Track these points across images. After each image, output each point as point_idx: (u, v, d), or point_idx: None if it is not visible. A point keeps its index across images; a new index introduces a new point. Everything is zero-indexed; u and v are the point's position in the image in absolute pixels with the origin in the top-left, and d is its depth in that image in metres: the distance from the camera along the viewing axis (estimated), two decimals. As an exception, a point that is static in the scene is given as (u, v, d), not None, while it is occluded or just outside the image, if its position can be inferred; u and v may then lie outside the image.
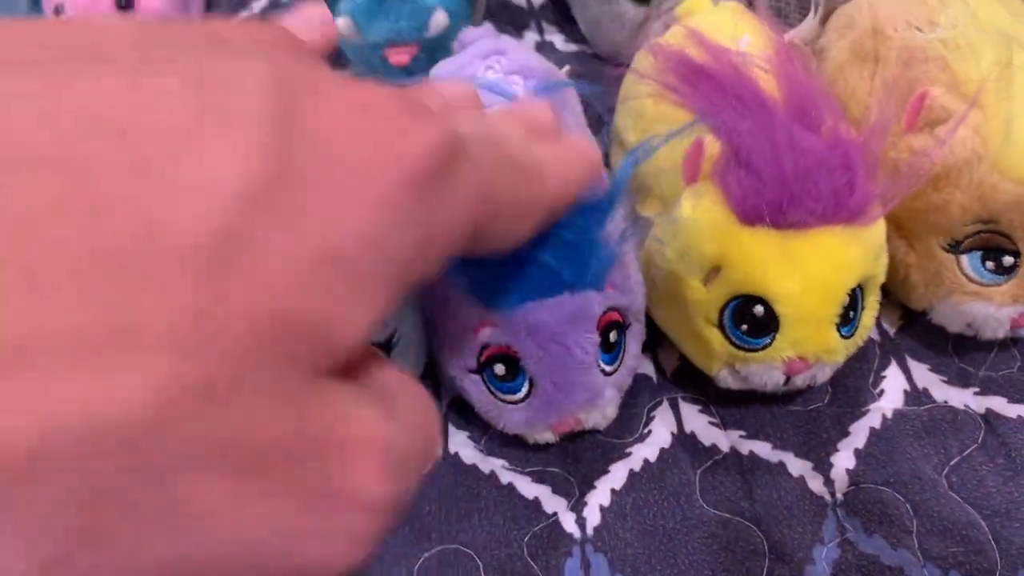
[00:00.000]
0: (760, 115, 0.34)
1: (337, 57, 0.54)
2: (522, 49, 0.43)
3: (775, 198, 0.33)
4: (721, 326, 0.36)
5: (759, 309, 0.35)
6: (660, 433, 0.39)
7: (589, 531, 0.36)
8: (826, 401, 0.40)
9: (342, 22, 0.47)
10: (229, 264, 0.13)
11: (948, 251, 0.37)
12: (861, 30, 0.42)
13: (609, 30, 0.51)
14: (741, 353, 0.36)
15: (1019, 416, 0.39)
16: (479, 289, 0.34)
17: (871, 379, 0.40)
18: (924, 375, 0.40)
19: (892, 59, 0.40)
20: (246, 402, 0.14)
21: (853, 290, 0.35)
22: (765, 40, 0.40)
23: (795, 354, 0.35)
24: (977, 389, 0.40)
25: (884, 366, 0.41)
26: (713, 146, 0.36)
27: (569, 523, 0.37)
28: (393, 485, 0.16)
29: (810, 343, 0.35)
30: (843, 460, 0.38)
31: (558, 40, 0.55)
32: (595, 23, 0.52)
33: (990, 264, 0.37)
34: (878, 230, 0.35)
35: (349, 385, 0.16)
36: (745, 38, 0.40)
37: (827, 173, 0.33)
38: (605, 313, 0.35)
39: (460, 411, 0.39)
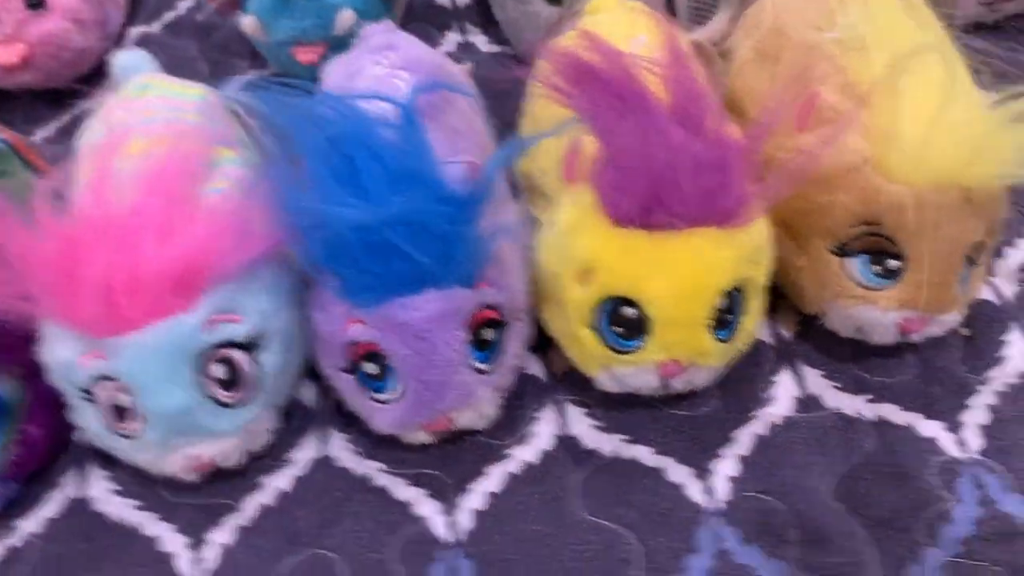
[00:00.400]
0: (638, 117, 0.34)
1: (255, 55, 0.53)
2: (416, 45, 0.43)
3: (644, 199, 0.33)
4: (596, 328, 0.35)
5: (630, 311, 0.34)
6: (543, 435, 0.38)
7: (461, 535, 0.36)
8: (714, 406, 0.39)
9: (248, 20, 0.47)
10: None
11: (835, 254, 0.36)
12: (764, 30, 0.42)
13: (526, 30, 0.51)
14: (615, 355, 0.35)
15: (909, 424, 0.38)
16: (346, 286, 0.34)
17: (762, 384, 0.39)
18: (817, 381, 0.39)
19: (789, 59, 0.39)
20: None
21: (730, 293, 0.34)
22: (658, 38, 0.39)
23: (667, 357, 0.35)
24: (871, 396, 0.39)
25: (776, 371, 0.40)
26: (592, 147, 0.35)
27: (440, 527, 0.36)
28: None
29: (682, 346, 0.34)
30: (726, 467, 0.37)
31: (480, 41, 0.55)
32: (513, 24, 0.51)
33: (876, 268, 0.36)
34: (755, 232, 0.35)
35: None
36: (641, 38, 0.40)
37: (698, 175, 0.33)
38: (479, 311, 0.34)
39: (343, 413, 0.38)
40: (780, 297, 0.40)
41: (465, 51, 0.55)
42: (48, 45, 0.50)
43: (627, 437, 0.38)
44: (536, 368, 0.40)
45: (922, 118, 0.34)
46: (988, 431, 0.37)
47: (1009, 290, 0.42)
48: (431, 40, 0.55)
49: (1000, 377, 0.39)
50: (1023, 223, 0.44)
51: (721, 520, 0.36)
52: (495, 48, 0.55)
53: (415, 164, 0.33)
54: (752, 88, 0.41)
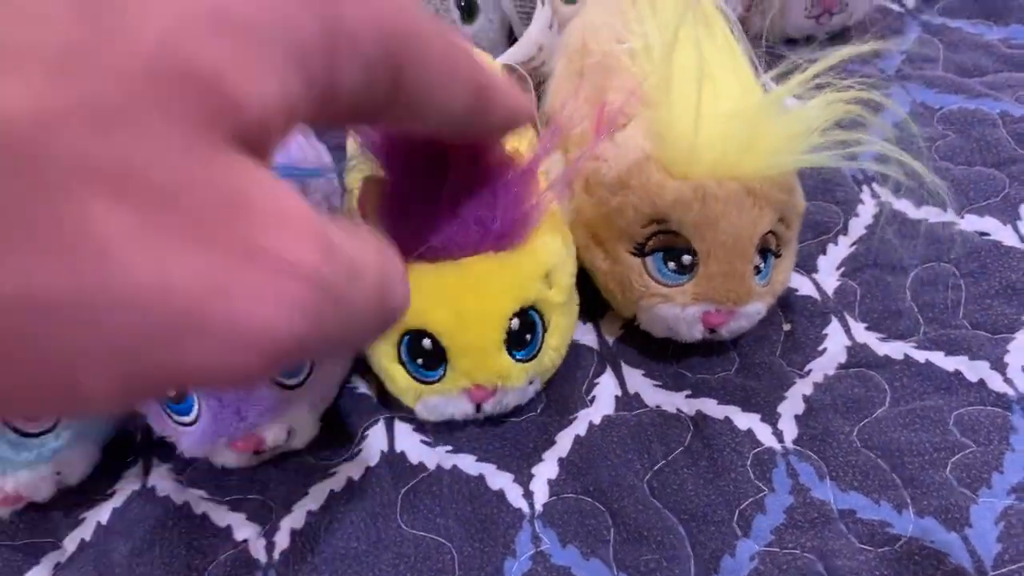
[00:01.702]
0: (417, 150, 0.34)
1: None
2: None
3: (420, 230, 0.33)
4: (402, 362, 0.36)
5: (427, 342, 0.35)
6: (371, 452, 0.38)
7: (276, 556, 0.35)
8: (539, 411, 0.39)
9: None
10: (114, 4, 0.14)
11: (634, 255, 0.37)
12: (573, 47, 0.43)
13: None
14: (424, 386, 0.36)
15: (726, 417, 0.38)
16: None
17: (584, 387, 0.40)
18: (638, 380, 0.40)
19: (589, 73, 0.41)
20: (136, 132, 0.14)
21: (525, 313, 0.35)
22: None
23: (471, 383, 0.35)
24: (689, 392, 0.39)
25: (599, 373, 0.40)
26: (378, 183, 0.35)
27: (258, 549, 0.36)
28: (328, 266, 0.16)
29: (480, 371, 0.35)
30: (545, 470, 0.37)
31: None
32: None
33: (672, 264, 0.37)
34: (541, 253, 0.35)
35: (275, 177, 0.16)
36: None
37: (471, 203, 0.33)
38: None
39: (164, 443, 0.38)
40: (604, 303, 0.41)
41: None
42: None
43: (451, 448, 0.38)
44: (366, 387, 0.41)
45: (695, 115, 0.35)
46: (802, 420, 0.38)
47: (830, 285, 0.43)
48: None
49: (818, 369, 0.40)
50: (846, 221, 0.45)
51: (539, 523, 0.36)
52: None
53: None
54: (563, 95, 0.42)
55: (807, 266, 0.43)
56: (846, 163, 0.34)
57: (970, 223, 0.44)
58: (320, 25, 0.17)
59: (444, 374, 0.35)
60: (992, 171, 0.46)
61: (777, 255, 0.38)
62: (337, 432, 0.39)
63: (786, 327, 0.41)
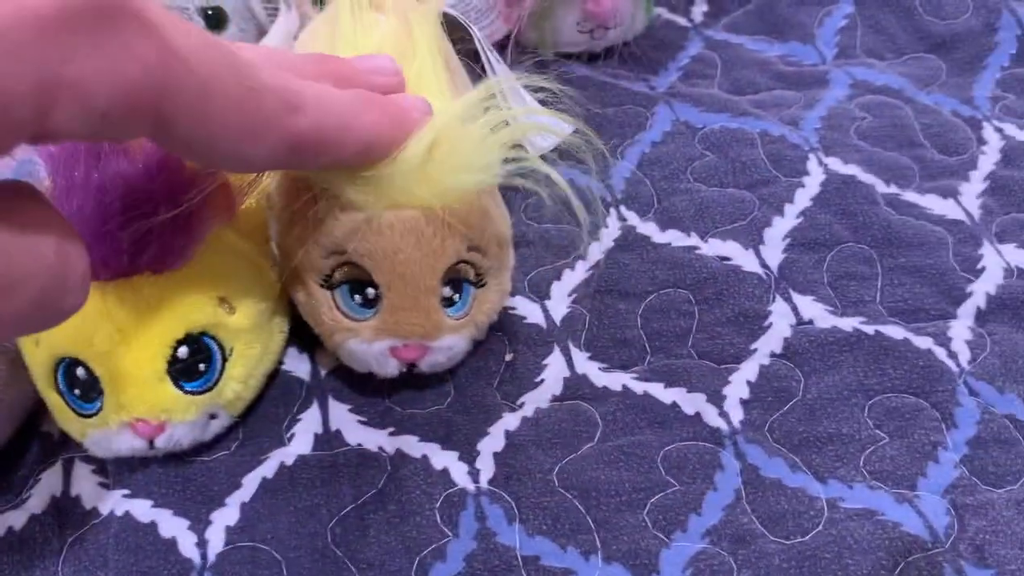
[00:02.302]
0: (79, 162, 0.31)
1: None
2: None
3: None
4: (60, 391, 0.33)
5: (80, 371, 0.32)
6: (42, 497, 0.35)
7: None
8: (232, 449, 0.37)
9: None
10: None
11: (323, 287, 0.35)
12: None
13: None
14: (83, 419, 0.33)
15: (424, 456, 0.36)
16: None
17: (285, 423, 0.37)
18: (343, 416, 0.38)
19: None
20: None
21: (197, 340, 0.33)
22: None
23: (130, 417, 0.32)
24: (394, 429, 0.37)
25: (304, 408, 0.38)
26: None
27: None
28: None
29: (140, 403, 0.32)
30: (225, 516, 0.35)
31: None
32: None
33: (358, 297, 0.34)
34: (214, 276, 0.33)
35: None
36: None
37: (123, 216, 0.31)
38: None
39: None
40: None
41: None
42: None
43: (127, 492, 0.35)
44: (51, 425, 0.37)
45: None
46: (501, 458, 0.36)
47: (559, 313, 0.41)
48: None
49: (530, 402, 0.38)
50: (588, 246, 0.43)
51: (210, 574, 0.33)
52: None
53: None
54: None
55: (540, 292, 0.42)
56: (512, 180, 0.32)
57: (712, 247, 0.43)
58: (34, 78, 0.18)
59: (102, 406, 0.32)
60: (744, 192, 0.45)
61: (478, 285, 0.36)
62: (9, 477, 0.36)
63: (508, 357, 0.39)
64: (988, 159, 0.47)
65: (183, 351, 0.32)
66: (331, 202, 0.33)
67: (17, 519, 0.35)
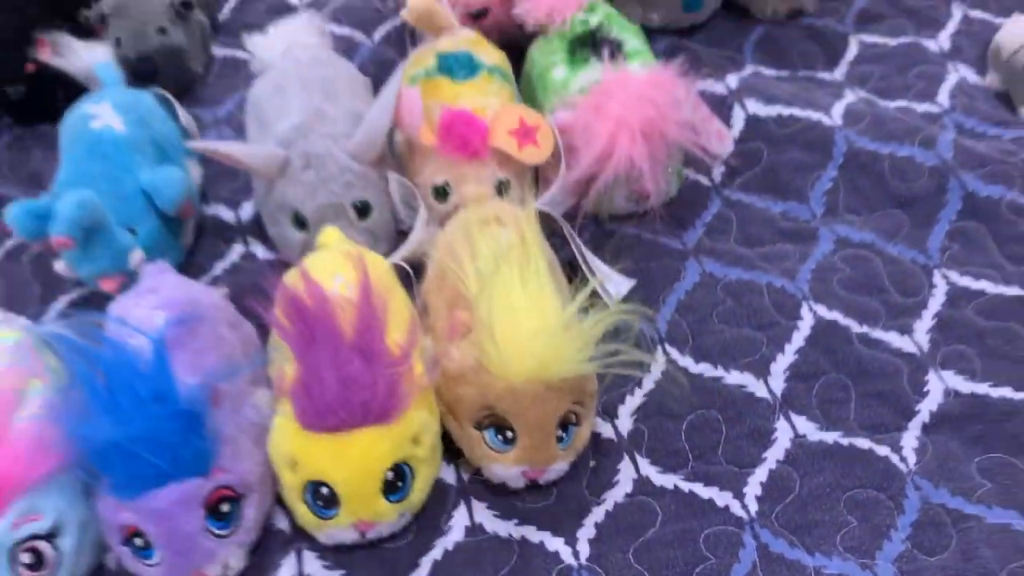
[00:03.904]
0: (320, 347, 0.49)
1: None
2: (177, 287, 0.58)
3: (319, 410, 0.48)
4: (306, 502, 0.50)
5: (325, 490, 0.49)
6: None
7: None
8: (408, 539, 0.54)
9: (59, 265, 0.61)
10: None
11: (476, 428, 0.52)
12: (437, 261, 0.58)
13: (284, 247, 0.66)
14: (323, 522, 0.50)
15: (541, 541, 0.53)
16: (113, 483, 0.48)
17: (442, 518, 0.54)
18: (482, 511, 0.55)
19: (448, 290, 0.55)
20: None
21: (398, 468, 0.50)
22: (354, 278, 0.54)
23: (356, 519, 0.50)
24: (518, 520, 0.54)
25: (455, 506, 0.55)
26: (292, 368, 0.50)
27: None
28: None
29: (364, 510, 0.50)
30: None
31: (259, 250, 0.70)
32: (277, 241, 0.67)
33: (500, 437, 0.52)
34: (412, 423, 0.50)
35: None
36: (340, 276, 0.55)
37: (355, 389, 0.48)
38: (213, 492, 0.49)
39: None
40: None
41: (247, 259, 0.70)
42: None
43: (344, 572, 0.53)
44: (283, 523, 0.55)
45: (508, 330, 0.50)
46: (594, 543, 0.53)
47: (625, 428, 0.58)
48: (218, 253, 0.70)
49: (610, 498, 0.55)
50: (640, 379, 0.60)
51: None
52: (271, 255, 0.70)
53: (156, 388, 0.48)
54: (433, 304, 0.57)
55: (610, 413, 0.59)
56: (612, 370, 0.50)
57: (733, 377, 0.60)
58: None
59: (338, 512, 0.50)
60: (756, 333, 0.62)
61: (577, 425, 0.53)
62: (258, 562, 0.53)
63: (592, 463, 0.56)
64: (936, 300, 0.64)
65: (390, 475, 0.50)
66: (485, 375, 0.50)
67: (271, 593, 0.52)
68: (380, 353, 0.50)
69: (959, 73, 0.81)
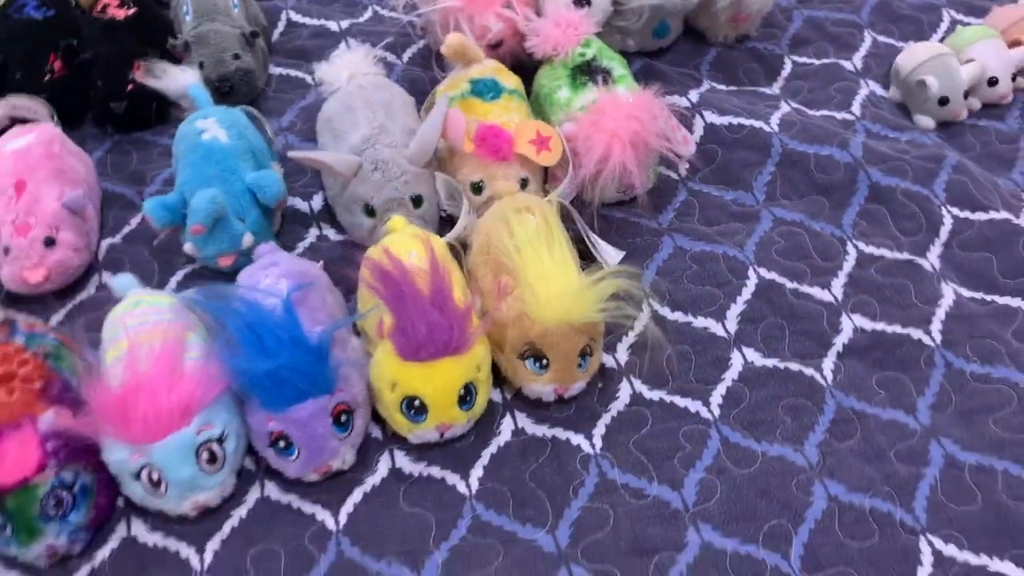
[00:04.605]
0: (409, 302, 0.69)
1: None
2: (289, 260, 0.77)
3: (414, 347, 0.68)
4: (401, 412, 0.70)
5: (417, 402, 0.69)
6: (382, 469, 0.72)
7: (342, 525, 0.69)
8: (471, 437, 0.74)
9: (188, 246, 0.80)
10: None
11: (520, 358, 0.73)
12: (480, 238, 0.78)
13: (354, 231, 0.86)
14: (415, 425, 0.70)
15: (567, 438, 0.74)
16: (263, 400, 0.67)
17: (495, 424, 0.75)
18: (523, 419, 0.75)
19: (493, 259, 0.76)
20: None
21: (467, 386, 0.70)
22: (425, 253, 0.74)
23: (438, 422, 0.70)
24: (549, 424, 0.75)
25: (503, 416, 0.75)
26: (388, 319, 0.70)
27: (328, 521, 0.69)
28: None
29: (445, 416, 0.70)
30: (476, 470, 0.72)
31: (331, 233, 0.89)
32: (349, 226, 0.86)
33: (537, 364, 0.72)
34: (476, 355, 0.70)
35: None
36: (414, 252, 0.75)
37: (439, 332, 0.68)
38: (336, 406, 0.69)
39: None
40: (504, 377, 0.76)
41: (322, 241, 0.89)
42: (59, 267, 0.82)
43: (425, 462, 0.73)
44: (377, 432, 0.74)
45: (542, 289, 0.70)
46: (606, 436, 0.74)
47: (623, 359, 0.79)
48: (299, 236, 0.89)
49: (614, 407, 0.76)
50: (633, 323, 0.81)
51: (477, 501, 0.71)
52: (341, 237, 0.89)
53: (291, 334, 0.67)
54: (479, 271, 0.77)
55: (612, 348, 0.79)
56: (616, 318, 0.70)
57: (699, 322, 0.81)
58: None
59: (426, 419, 0.70)
60: (715, 290, 0.84)
61: (591, 355, 0.74)
62: (363, 457, 0.73)
63: (599, 384, 0.77)
64: (848, 264, 0.85)
65: (462, 391, 0.70)
66: (527, 320, 0.71)
67: (373, 479, 0.72)
68: (451, 307, 0.70)
69: (868, 88, 1.03)
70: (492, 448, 0.73)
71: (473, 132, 0.85)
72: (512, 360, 0.73)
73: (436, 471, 0.72)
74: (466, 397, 0.70)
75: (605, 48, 0.94)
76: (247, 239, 0.81)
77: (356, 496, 0.71)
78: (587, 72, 0.90)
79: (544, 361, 0.72)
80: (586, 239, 0.84)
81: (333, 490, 0.71)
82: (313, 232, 0.90)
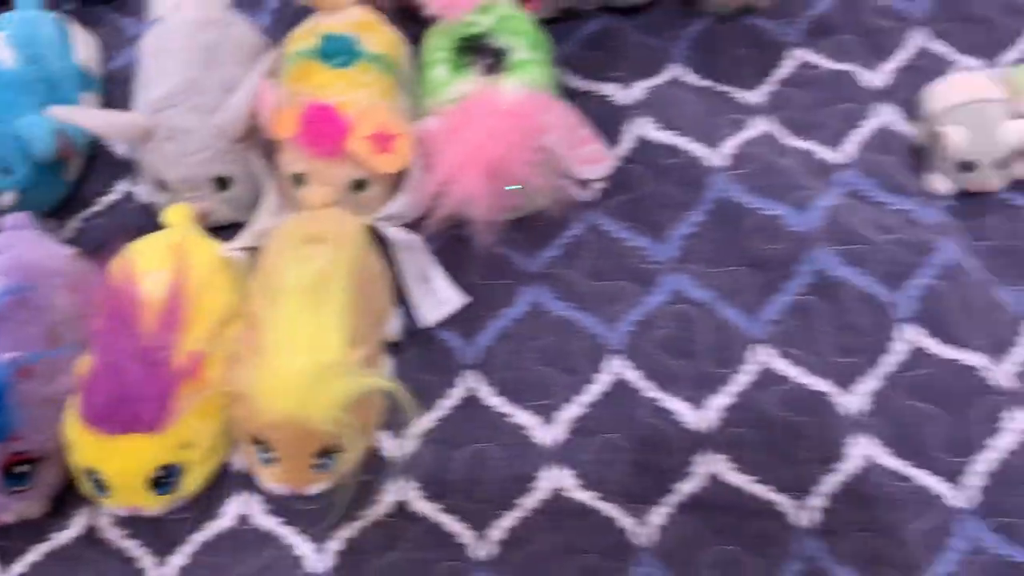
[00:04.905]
0: (111, 352, 0.54)
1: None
2: (34, 245, 0.63)
3: (91, 414, 0.55)
4: (86, 479, 0.57)
5: (100, 478, 0.56)
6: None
7: None
8: (184, 516, 0.61)
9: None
10: None
11: (250, 443, 0.58)
12: (260, 270, 0.62)
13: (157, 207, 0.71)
14: (102, 498, 0.58)
15: (291, 544, 0.60)
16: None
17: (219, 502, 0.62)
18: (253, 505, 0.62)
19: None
20: None
21: (166, 467, 0.56)
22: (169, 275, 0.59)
23: (122, 504, 0.58)
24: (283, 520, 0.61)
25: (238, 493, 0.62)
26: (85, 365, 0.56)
27: None
28: None
29: (130, 500, 0.58)
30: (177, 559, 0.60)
31: (143, 192, 0.74)
32: (149, 198, 0.71)
33: (265, 455, 0.58)
34: (180, 432, 0.57)
35: None
36: (157, 273, 0.59)
37: (125, 403, 0.54)
38: (10, 456, 0.57)
39: None
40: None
41: (127, 200, 0.74)
42: None
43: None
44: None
45: (277, 365, 0.54)
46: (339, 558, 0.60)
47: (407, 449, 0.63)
48: (104, 189, 0.75)
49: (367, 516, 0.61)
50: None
51: None
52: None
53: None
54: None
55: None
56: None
57: (518, 418, 0.64)
58: None
59: (108, 495, 0.58)
60: (563, 376, 0.65)
61: (341, 453, 0.58)
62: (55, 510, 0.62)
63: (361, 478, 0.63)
64: (740, 381, 0.65)
65: (160, 472, 0.57)
66: (252, 404, 0.56)
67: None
68: (164, 363, 0.55)
69: (880, 118, 0.76)
70: (207, 535, 0.61)
71: (301, 111, 0.66)
72: (245, 440, 0.59)
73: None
74: (164, 479, 0.57)
75: (515, 19, 0.71)
76: (6, 198, 0.67)
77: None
78: (474, 50, 0.69)
79: (272, 453, 0.57)
80: (402, 284, 0.66)
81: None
82: (121, 187, 0.75)
